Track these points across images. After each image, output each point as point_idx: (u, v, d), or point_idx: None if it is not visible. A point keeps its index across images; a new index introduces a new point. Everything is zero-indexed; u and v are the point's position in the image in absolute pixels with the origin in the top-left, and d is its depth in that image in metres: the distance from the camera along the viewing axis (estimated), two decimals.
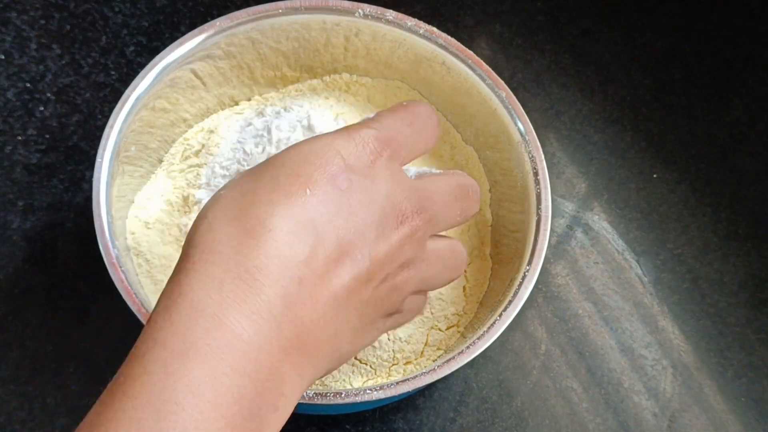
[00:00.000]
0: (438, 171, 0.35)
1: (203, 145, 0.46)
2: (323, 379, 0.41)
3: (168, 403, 0.23)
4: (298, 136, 0.43)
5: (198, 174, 0.45)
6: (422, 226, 0.31)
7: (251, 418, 0.24)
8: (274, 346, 0.25)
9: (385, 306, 0.31)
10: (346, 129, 0.31)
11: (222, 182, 0.44)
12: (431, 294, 0.43)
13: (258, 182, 0.28)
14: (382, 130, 0.31)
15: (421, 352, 0.42)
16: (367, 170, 0.30)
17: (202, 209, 0.28)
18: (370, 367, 0.42)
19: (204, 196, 0.44)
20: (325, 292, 0.27)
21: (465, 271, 0.45)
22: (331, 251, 0.27)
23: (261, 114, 0.46)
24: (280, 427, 0.26)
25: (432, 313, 0.43)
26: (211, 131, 0.47)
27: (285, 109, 0.46)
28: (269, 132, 0.44)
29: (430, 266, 0.33)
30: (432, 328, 0.43)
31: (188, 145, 0.47)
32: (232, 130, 0.46)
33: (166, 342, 0.24)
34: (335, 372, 0.41)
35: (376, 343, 0.42)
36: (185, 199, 0.44)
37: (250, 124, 0.46)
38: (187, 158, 0.46)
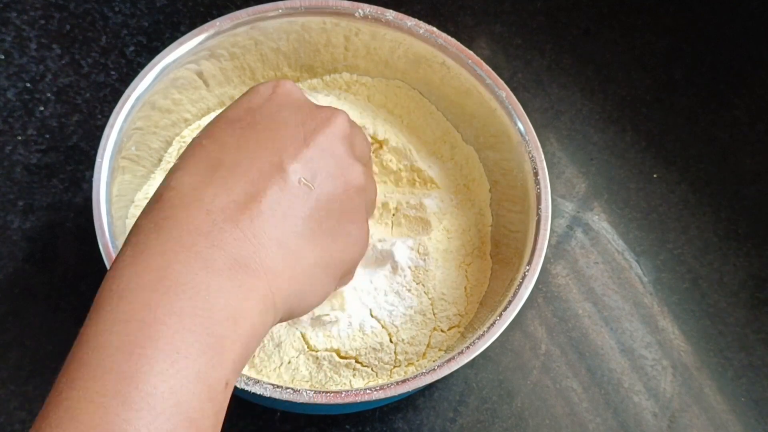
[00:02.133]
0: None
1: None
2: (324, 382, 0.41)
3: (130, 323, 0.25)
4: None
5: None
6: (344, 121, 0.33)
7: (200, 330, 0.26)
8: (197, 270, 0.27)
9: (345, 208, 0.32)
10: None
11: None
12: (434, 295, 0.43)
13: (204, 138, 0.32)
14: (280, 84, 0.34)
15: (423, 354, 0.42)
16: (269, 100, 0.33)
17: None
18: (372, 369, 0.42)
19: None
20: (245, 213, 0.28)
21: (466, 271, 0.45)
22: (236, 182, 0.29)
23: None
24: (248, 345, 0.28)
25: (434, 314, 0.43)
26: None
27: None
28: None
29: (369, 174, 0.35)
30: (434, 329, 0.43)
31: (184, 142, 0.47)
32: None
33: (97, 300, 0.27)
34: (335, 374, 0.41)
35: (377, 346, 0.42)
36: None
37: None
38: None
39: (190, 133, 0.47)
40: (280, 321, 0.31)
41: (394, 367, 0.42)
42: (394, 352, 0.42)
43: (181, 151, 0.46)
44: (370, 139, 0.46)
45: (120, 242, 0.39)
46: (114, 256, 0.37)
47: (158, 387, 0.24)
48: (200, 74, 0.46)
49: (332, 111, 0.34)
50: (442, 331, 0.43)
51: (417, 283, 0.43)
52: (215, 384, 0.26)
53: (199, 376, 0.25)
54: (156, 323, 0.25)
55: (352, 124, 0.35)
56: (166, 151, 0.46)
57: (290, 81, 0.35)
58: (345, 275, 0.35)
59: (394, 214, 0.46)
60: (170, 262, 0.26)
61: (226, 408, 0.27)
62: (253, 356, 0.41)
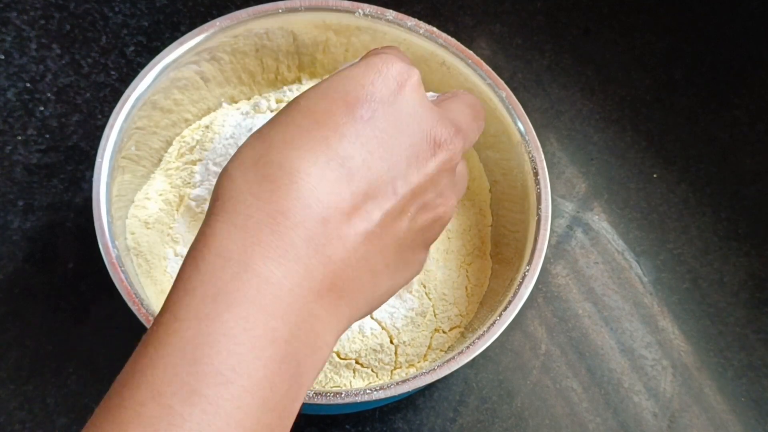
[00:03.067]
0: (446, 93, 0.34)
1: (198, 141, 0.46)
2: (324, 383, 0.41)
3: (202, 347, 0.23)
4: None
5: (192, 172, 0.45)
6: (459, 151, 0.29)
7: (288, 360, 0.24)
8: (305, 288, 0.25)
9: (426, 236, 0.30)
10: (364, 58, 0.29)
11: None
12: (435, 296, 0.43)
13: (275, 127, 0.27)
14: (405, 57, 0.30)
15: (424, 356, 0.42)
16: (392, 97, 0.28)
17: (227, 163, 0.27)
18: (372, 371, 0.42)
19: (199, 194, 0.44)
20: (354, 230, 0.26)
21: (467, 271, 0.45)
22: (356, 186, 0.26)
23: (257, 106, 0.46)
24: (319, 370, 0.26)
25: (435, 316, 0.43)
26: (206, 126, 0.47)
27: (279, 102, 0.46)
28: None
29: (458, 189, 0.32)
30: (436, 330, 0.43)
31: (184, 142, 0.46)
32: (227, 124, 0.46)
33: (195, 290, 0.24)
34: (335, 375, 0.41)
35: (377, 347, 0.42)
36: (181, 198, 0.44)
37: (245, 118, 0.46)
38: (182, 155, 0.46)
39: (190, 133, 0.47)
40: None
41: (395, 368, 0.42)
42: (395, 354, 0.42)
43: (182, 152, 0.46)
44: None
45: (120, 242, 0.39)
46: (114, 256, 0.37)
47: (241, 420, 0.23)
48: (200, 74, 0.46)
49: (448, 133, 0.29)
50: (443, 332, 0.43)
51: (418, 285, 0.43)
52: (286, 416, 0.25)
53: (277, 411, 0.24)
54: (251, 346, 0.23)
55: (461, 154, 0.31)
56: (166, 151, 0.46)
57: (418, 74, 0.29)
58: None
59: None
60: (284, 276, 0.24)
61: None
62: None
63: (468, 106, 0.33)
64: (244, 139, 0.43)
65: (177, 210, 0.44)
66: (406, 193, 0.27)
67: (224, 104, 0.49)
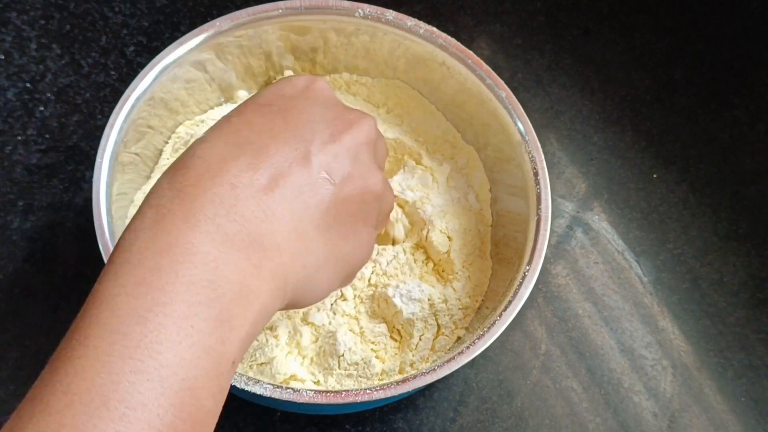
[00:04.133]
0: None
1: (192, 136, 0.46)
2: (326, 382, 0.41)
3: (135, 306, 0.25)
4: None
5: None
6: (372, 127, 0.34)
7: (209, 303, 0.26)
8: (218, 242, 0.27)
9: (363, 210, 0.33)
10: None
11: None
12: (437, 300, 0.43)
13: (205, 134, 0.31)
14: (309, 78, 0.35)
15: (426, 358, 0.42)
16: (300, 93, 0.33)
17: None
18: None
19: None
20: (267, 194, 0.29)
21: (467, 271, 0.45)
22: (265, 161, 0.29)
23: None
24: (253, 317, 0.28)
25: (437, 321, 0.43)
26: (202, 121, 0.47)
27: None
28: None
29: (387, 184, 0.35)
30: (440, 334, 0.43)
31: (178, 137, 0.46)
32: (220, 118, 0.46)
33: (114, 260, 0.27)
34: (336, 376, 0.41)
35: (383, 353, 0.42)
36: None
37: None
38: (177, 150, 0.46)
39: (184, 129, 0.47)
40: (284, 308, 0.31)
41: (398, 372, 0.42)
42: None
43: (177, 148, 0.46)
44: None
45: None
46: None
47: (170, 359, 0.24)
48: (200, 74, 0.46)
49: (361, 115, 0.34)
50: (445, 335, 0.43)
51: (419, 286, 0.43)
52: (223, 362, 0.26)
53: (210, 353, 0.25)
54: (168, 290, 0.25)
55: (378, 131, 0.35)
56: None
57: (324, 79, 0.35)
58: (348, 276, 0.35)
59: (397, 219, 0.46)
60: (190, 230, 0.27)
61: (228, 387, 0.27)
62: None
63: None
64: None
65: None
66: (319, 164, 0.31)
67: (224, 104, 0.49)
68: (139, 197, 0.44)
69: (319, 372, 0.41)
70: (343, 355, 0.41)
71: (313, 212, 0.30)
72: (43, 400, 0.23)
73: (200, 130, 0.46)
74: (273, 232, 0.29)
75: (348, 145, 0.32)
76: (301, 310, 0.41)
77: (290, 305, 0.31)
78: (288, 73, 0.49)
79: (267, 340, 0.41)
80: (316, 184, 0.30)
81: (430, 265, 0.45)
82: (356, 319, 0.42)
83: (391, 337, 0.43)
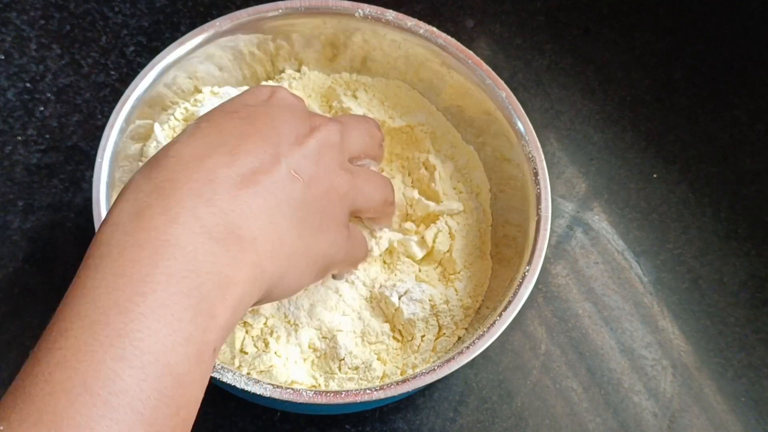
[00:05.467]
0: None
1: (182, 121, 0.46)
2: (324, 382, 0.41)
3: (116, 292, 0.26)
4: None
5: None
6: (334, 131, 0.36)
7: (188, 293, 0.26)
8: (196, 233, 0.28)
9: (333, 209, 0.35)
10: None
11: None
12: (438, 300, 0.43)
13: (172, 141, 0.32)
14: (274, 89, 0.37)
15: (428, 360, 0.42)
16: (265, 101, 0.35)
17: None
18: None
19: None
20: (242, 189, 0.30)
21: (467, 271, 0.45)
22: (237, 159, 0.30)
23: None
24: (233, 305, 0.28)
25: (438, 321, 0.43)
26: (194, 105, 0.46)
27: None
28: None
29: (360, 180, 0.37)
30: (441, 335, 0.43)
31: (169, 127, 0.46)
32: (207, 104, 0.45)
33: (92, 253, 0.27)
34: (337, 380, 0.41)
35: (385, 355, 0.42)
36: None
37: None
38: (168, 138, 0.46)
39: (173, 119, 0.46)
40: (260, 301, 0.32)
41: (400, 374, 0.42)
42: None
43: (167, 133, 0.46)
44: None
45: None
46: None
47: (151, 346, 0.25)
48: (200, 74, 0.46)
49: (324, 120, 0.36)
50: (446, 336, 0.43)
51: (420, 286, 0.43)
52: (204, 348, 0.27)
53: (190, 340, 0.26)
54: (148, 281, 0.26)
55: (341, 135, 0.37)
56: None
57: (285, 89, 0.37)
58: (322, 271, 0.37)
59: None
60: (170, 222, 0.27)
61: (210, 374, 0.28)
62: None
63: (349, 117, 0.41)
64: None
65: None
66: (288, 164, 0.32)
67: None
68: None
69: (320, 376, 0.41)
70: (344, 359, 0.41)
71: (285, 208, 0.32)
72: (25, 390, 0.24)
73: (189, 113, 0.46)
74: (249, 225, 0.30)
75: (312, 147, 0.34)
76: (301, 313, 0.41)
77: (265, 297, 0.32)
78: (288, 73, 0.49)
79: (267, 346, 0.40)
80: (287, 182, 0.32)
81: (431, 265, 0.45)
82: (358, 320, 0.42)
83: (393, 338, 0.43)
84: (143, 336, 0.25)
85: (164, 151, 0.31)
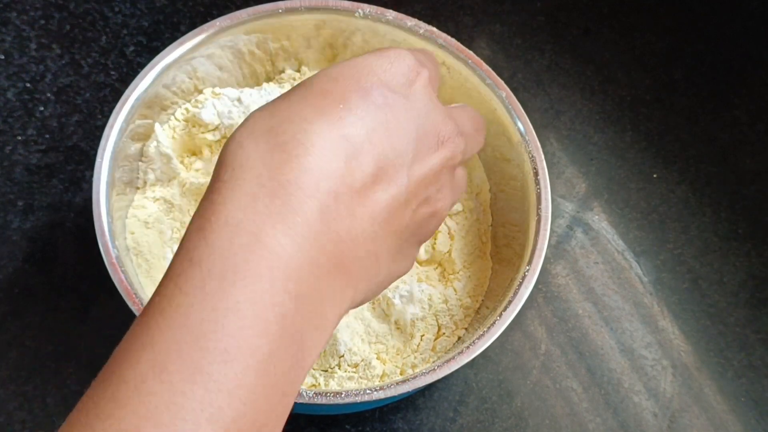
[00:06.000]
0: (452, 105, 0.35)
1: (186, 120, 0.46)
2: (324, 382, 0.41)
3: (207, 323, 0.22)
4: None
5: None
6: (460, 151, 0.31)
7: (291, 337, 0.23)
8: (314, 264, 0.24)
9: (423, 231, 0.30)
10: (379, 49, 0.30)
11: None
12: (437, 300, 0.43)
13: (288, 101, 0.27)
14: (417, 55, 0.30)
15: (428, 360, 0.42)
16: (404, 89, 0.29)
17: (234, 131, 0.27)
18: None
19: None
20: (363, 209, 0.26)
21: (467, 271, 0.45)
22: (366, 166, 0.26)
23: (240, 97, 0.46)
24: (320, 349, 0.25)
25: (437, 321, 0.43)
26: (195, 106, 0.47)
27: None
28: (240, 101, 0.45)
29: (455, 192, 0.32)
30: (440, 335, 0.43)
31: (170, 128, 0.46)
32: (208, 109, 0.46)
33: (201, 261, 0.23)
34: (337, 378, 0.41)
35: (384, 354, 0.42)
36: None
37: (233, 103, 0.46)
38: (173, 138, 0.46)
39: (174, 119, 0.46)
40: None
41: (399, 374, 0.42)
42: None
43: (167, 133, 0.45)
44: None
45: (120, 242, 0.39)
46: (114, 256, 0.37)
47: (244, 399, 0.22)
48: (201, 74, 0.46)
49: (451, 131, 0.30)
50: (446, 336, 0.43)
51: (420, 287, 0.43)
52: (288, 402, 0.24)
53: (283, 390, 0.23)
54: (258, 321, 0.23)
55: (462, 152, 0.32)
56: None
57: (428, 74, 0.30)
58: (375, 294, 0.32)
59: None
60: (293, 253, 0.24)
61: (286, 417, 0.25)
62: None
63: (471, 118, 0.34)
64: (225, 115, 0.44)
65: (174, 208, 0.44)
66: (411, 182, 0.28)
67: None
68: (139, 197, 0.44)
69: (320, 375, 0.41)
70: (343, 356, 0.41)
71: (392, 236, 0.28)
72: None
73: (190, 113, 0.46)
74: (357, 257, 0.26)
75: (435, 167, 0.29)
76: None
77: None
78: (288, 73, 0.49)
79: None
80: (401, 203, 0.28)
81: (431, 265, 0.45)
82: (358, 320, 0.42)
83: (393, 337, 0.43)
84: (241, 388, 0.22)
85: (290, 128, 0.25)
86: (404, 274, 0.31)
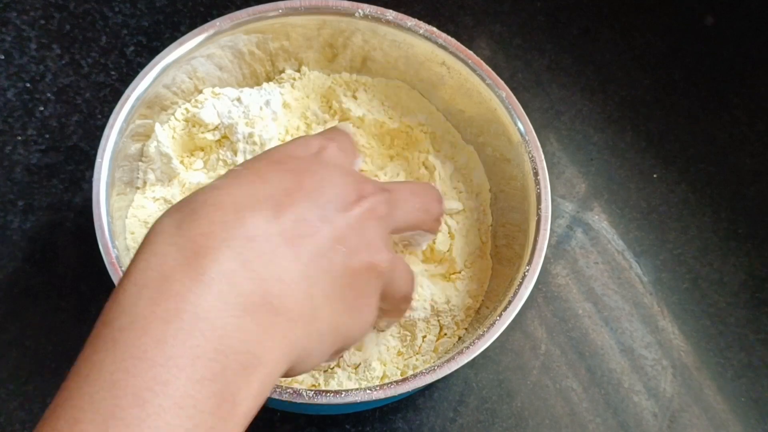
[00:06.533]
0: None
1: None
2: (324, 382, 0.41)
3: (118, 372, 0.23)
4: (265, 113, 0.45)
5: None
6: (382, 202, 0.32)
7: (213, 377, 0.24)
8: (230, 303, 0.25)
9: (366, 288, 0.31)
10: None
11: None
12: (439, 300, 0.43)
13: (212, 183, 0.29)
14: (325, 133, 0.34)
15: (429, 361, 0.42)
16: (313, 157, 0.32)
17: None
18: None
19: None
20: (283, 250, 0.27)
21: (468, 271, 0.45)
22: (281, 215, 0.27)
23: (240, 97, 0.46)
24: (260, 387, 0.26)
25: (439, 321, 0.43)
26: (195, 106, 0.46)
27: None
28: (240, 101, 0.45)
29: (398, 264, 0.33)
30: (442, 336, 0.43)
31: (171, 128, 0.46)
32: (208, 108, 0.46)
33: (112, 321, 0.24)
34: (336, 379, 0.41)
35: (386, 356, 0.42)
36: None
37: (233, 103, 0.46)
38: (173, 138, 0.46)
39: (174, 119, 0.46)
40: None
41: (401, 375, 0.42)
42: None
43: (167, 133, 0.45)
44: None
45: (120, 242, 0.39)
46: (114, 256, 0.37)
47: None
48: (201, 74, 0.46)
49: (373, 188, 0.32)
50: (447, 336, 0.43)
51: (421, 289, 0.43)
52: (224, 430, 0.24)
53: (202, 426, 0.23)
54: (171, 366, 0.23)
55: (388, 207, 0.33)
56: None
57: (336, 144, 0.34)
58: (339, 351, 0.32)
59: None
60: (202, 290, 0.24)
61: None
62: None
63: (403, 185, 0.37)
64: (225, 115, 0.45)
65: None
66: (332, 231, 0.29)
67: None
68: (139, 198, 0.44)
69: (320, 375, 0.41)
70: (342, 356, 0.41)
71: (323, 279, 0.28)
72: None
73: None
74: (287, 295, 0.26)
75: (357, 217, 0.31)
76: None
77: (284, 374, 0.29)
78: (288, 73, 0.49)
79: None
80: (329, 250, 0.29)
81: (432, 265, 0.45)
82: None
83: (394, 338, 0.43)
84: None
85: (201, 197, 0.27)
86: (359, 332, 0.32)
